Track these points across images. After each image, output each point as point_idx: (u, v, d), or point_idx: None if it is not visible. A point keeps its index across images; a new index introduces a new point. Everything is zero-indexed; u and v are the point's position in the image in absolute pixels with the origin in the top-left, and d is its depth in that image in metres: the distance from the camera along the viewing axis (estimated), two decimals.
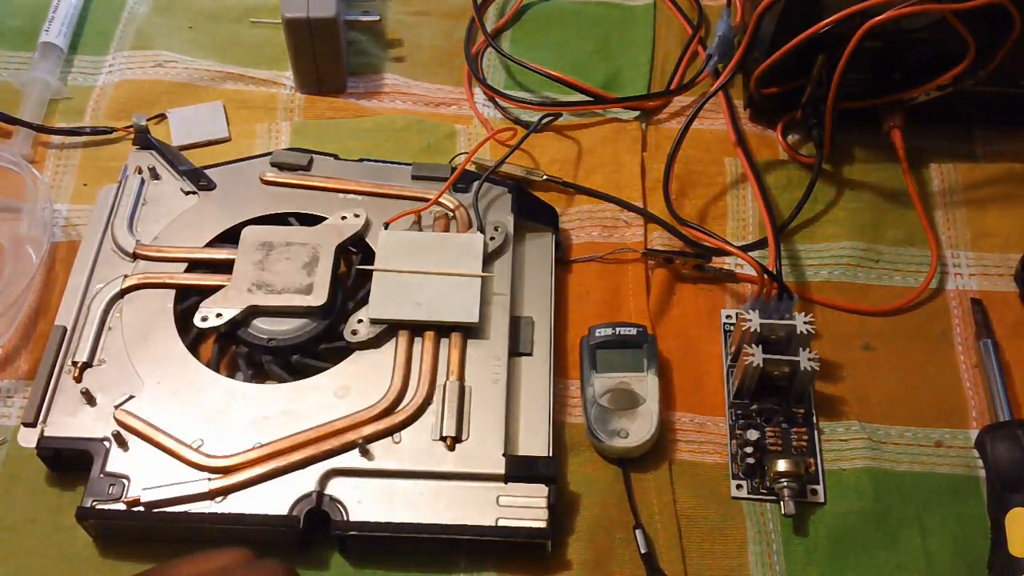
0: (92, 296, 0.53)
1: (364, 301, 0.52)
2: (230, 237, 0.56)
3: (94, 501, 0.46)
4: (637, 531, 0.48)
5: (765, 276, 0.52)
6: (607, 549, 0.48)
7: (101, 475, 0.47)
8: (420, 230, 0.55)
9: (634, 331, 0.52)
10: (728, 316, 0.56)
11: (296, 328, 0.52)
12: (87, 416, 0.49)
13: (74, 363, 0.50)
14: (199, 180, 0.58)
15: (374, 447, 0.48)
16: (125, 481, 0.47)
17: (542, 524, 0.46)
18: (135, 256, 0.55)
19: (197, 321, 0.51)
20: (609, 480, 0.50)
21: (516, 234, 0.56)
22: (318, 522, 0.46)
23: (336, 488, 0.47)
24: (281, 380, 0.51)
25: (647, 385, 0.51)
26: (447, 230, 0.56)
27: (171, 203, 0.57)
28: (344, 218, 0.56)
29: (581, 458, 0.51)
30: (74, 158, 0.63)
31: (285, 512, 0.46)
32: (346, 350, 0.51)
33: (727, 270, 0.57)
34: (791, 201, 0.60)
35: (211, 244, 0.55)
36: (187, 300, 0.53)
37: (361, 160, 0.60)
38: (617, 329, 0.52)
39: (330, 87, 0.66)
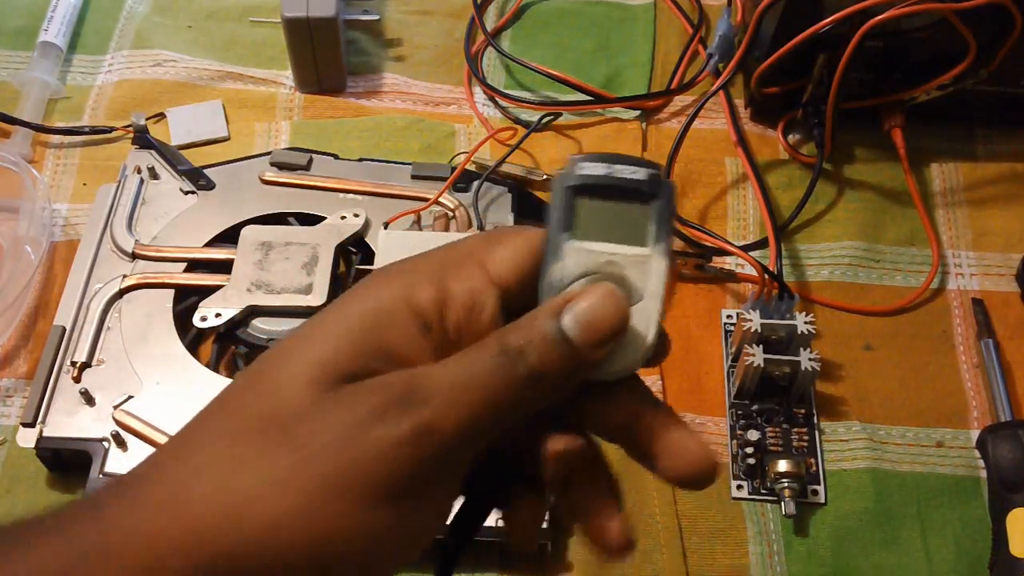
0: (91, 296, 0.53)
1: None
2: (229, 237, 0.55)
3: None
4: None
5: (766, 276, 0.52)
6: None
7: (100, 475, 0.47)
8: (420, 230, 0.55)
9: (641, 172, 0.29)
10: (728, 316, 0.56)
11: (296, 328, 0.51)
12: (86, 416, 0.49)
13: (73, 363, 0.50)
14: (198, 180, 0.58)
15: None
16: None
17: (543, 524, 0.46)
18: (134, 256, 0.54)
19: (196, 321, 0.51)
20: None
21: None
22: None
23: None
24: None
25: (649, 271, 0.29)
26: (447, 230, 0.55)
27: (170, 203, 0.57)
28: (344, 218, 0.56)
29: None
30: (73, 158, 0.63)
31: None
32: None
33: (727, 270, 0.57)
34: (792, 201, 0.60)
35: (210, 244, 0.55)
36: (186, 300, 0.53)
37: (361, 160, 0.60)
38: (614, 166, 0.29)
39: (330, 87, 0.66)
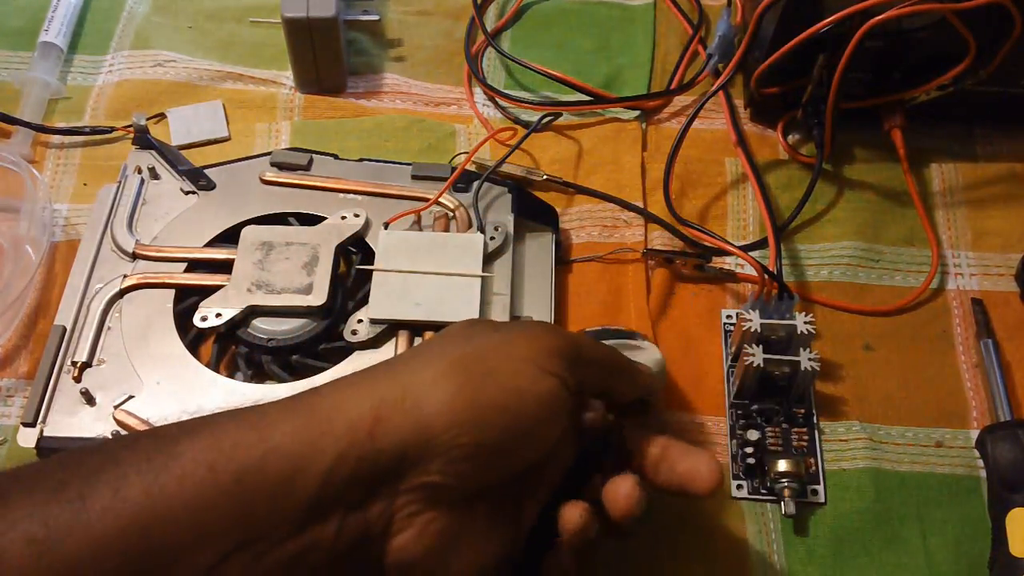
0: (91, 296, 0.53)
1: (364, 301, 0.52)
2: (230, 237, 0.55)
3: None
4: None
5: (765, 276, 0.52)
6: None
7: None
8: (420, 230, 0.55)
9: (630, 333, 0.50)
10: (728, 316, 0.56)
11: (296, 328, 0.52)
12: (87, 416, 0.49)
13: (73, 363, 0.50)
14: (199, 180, 0.58)
15: None
16: None
17: None
18: (134, 256, 0.54)
19: (196, 321, 0.51)
20: None
21: (516, 234, 0.56)
22: None
23: None
24: (281, 380, 0.51)
25: (644, 342, 0.49)
26: (447, 230, 0.55)
27: (171, 203, 0.57)
28: (344, 218, 0.56)
29: None
30: (74, 158, 0.63)
31: None
32: (346, 350, 0.51)
33: (727, 270, 0.57)
34: (791, 201, 0.60)
35: (211, 244, 0.55)
36: (186, 300, 0.53)
37: (361, 160, 0.60)
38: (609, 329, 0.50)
39: (330, 87, 0.66)
